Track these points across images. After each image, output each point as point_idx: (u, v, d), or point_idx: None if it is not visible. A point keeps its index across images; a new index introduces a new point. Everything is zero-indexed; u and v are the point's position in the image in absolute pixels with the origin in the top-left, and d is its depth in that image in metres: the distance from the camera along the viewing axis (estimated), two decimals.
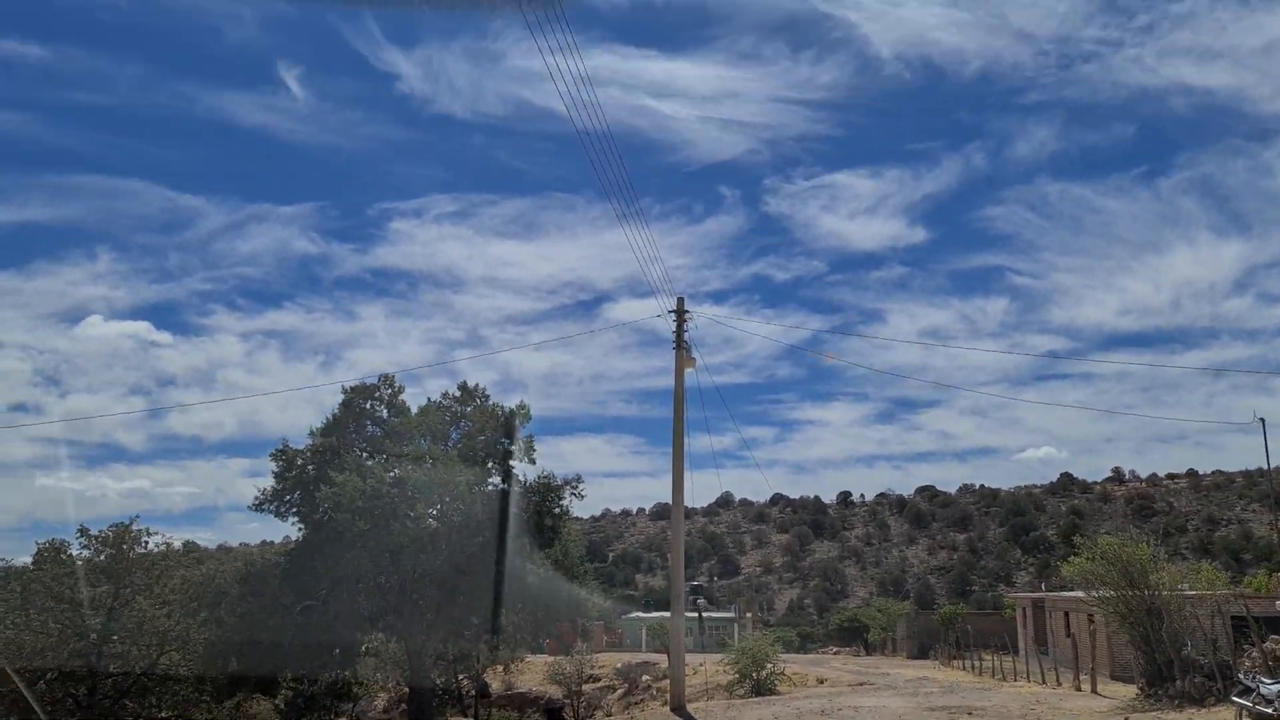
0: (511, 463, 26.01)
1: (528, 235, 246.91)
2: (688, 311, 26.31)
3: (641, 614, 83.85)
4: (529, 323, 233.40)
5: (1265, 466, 42.91)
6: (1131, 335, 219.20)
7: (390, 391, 25.32)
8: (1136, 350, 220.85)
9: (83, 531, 23.93)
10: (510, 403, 26.72)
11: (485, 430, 25.55)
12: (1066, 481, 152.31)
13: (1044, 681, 39.69)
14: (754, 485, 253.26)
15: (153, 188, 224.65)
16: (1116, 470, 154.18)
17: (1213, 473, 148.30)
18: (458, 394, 26.16)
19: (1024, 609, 58.48)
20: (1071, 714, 26.69)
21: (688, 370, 26.63)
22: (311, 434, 24.59)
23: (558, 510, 25.47)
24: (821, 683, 41.56)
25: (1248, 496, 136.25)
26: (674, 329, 26.08)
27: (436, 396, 26.24)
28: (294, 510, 24.00)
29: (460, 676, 32.02)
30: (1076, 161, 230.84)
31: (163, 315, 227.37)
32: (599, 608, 25.57)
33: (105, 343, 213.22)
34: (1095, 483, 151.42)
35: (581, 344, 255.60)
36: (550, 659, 60.38)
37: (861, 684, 40.92)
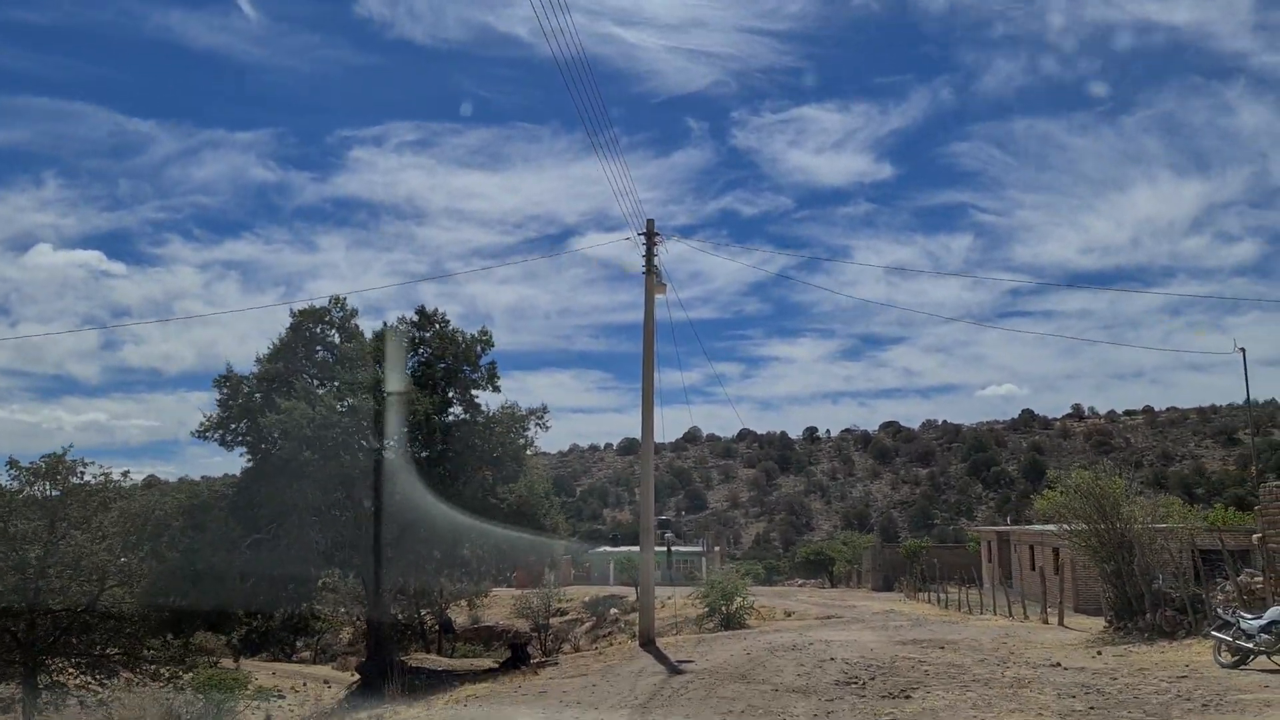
0: (474, 392, 24.68)
1: (492, 166, 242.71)
2: (658, 234, 24.87)
3: (609, 548, 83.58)
4: (495, 256, 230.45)
5: (1246, 398, 42.43)
6: (1093, 274, 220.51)
7: (342, 315, 23.73)
8: (1098, 288, 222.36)
9: (13, 464, 22.36)
10: (472, 329, 25.30)
11: (445, 357, 24.12)
12: (1027, 418, 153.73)
13: (1011, 615, 39.45)
14: (721, 421, 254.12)
15: (101, 111, 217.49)
16: (1076, 407, 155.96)
17: (1168, 409, 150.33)
18: (415, 319, 24.65)
19: (988, 543, 58.51)
20: (1042, 647, 26.12)
21: (658, 297, 25.31)
22: (258, 360, 23.06)
23: (522, 441, 24.22)
24: (789, 615, 41.16)
25: (1201, 433, 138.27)
26: (644, 253, 24.67)
27: (394, 322, 24.77)
28: (241, 440, 22.50)
29: (423, 611, 30.99)
30: (1043, 97, 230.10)
31: (115, 244, 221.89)
32: (565, 542, 24.42)
33: (55, 272, 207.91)
34: (1055, 419, 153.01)
35: (548, 278, 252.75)
36: (517, 593, 59.97)
37: (830, 617, 40.60)
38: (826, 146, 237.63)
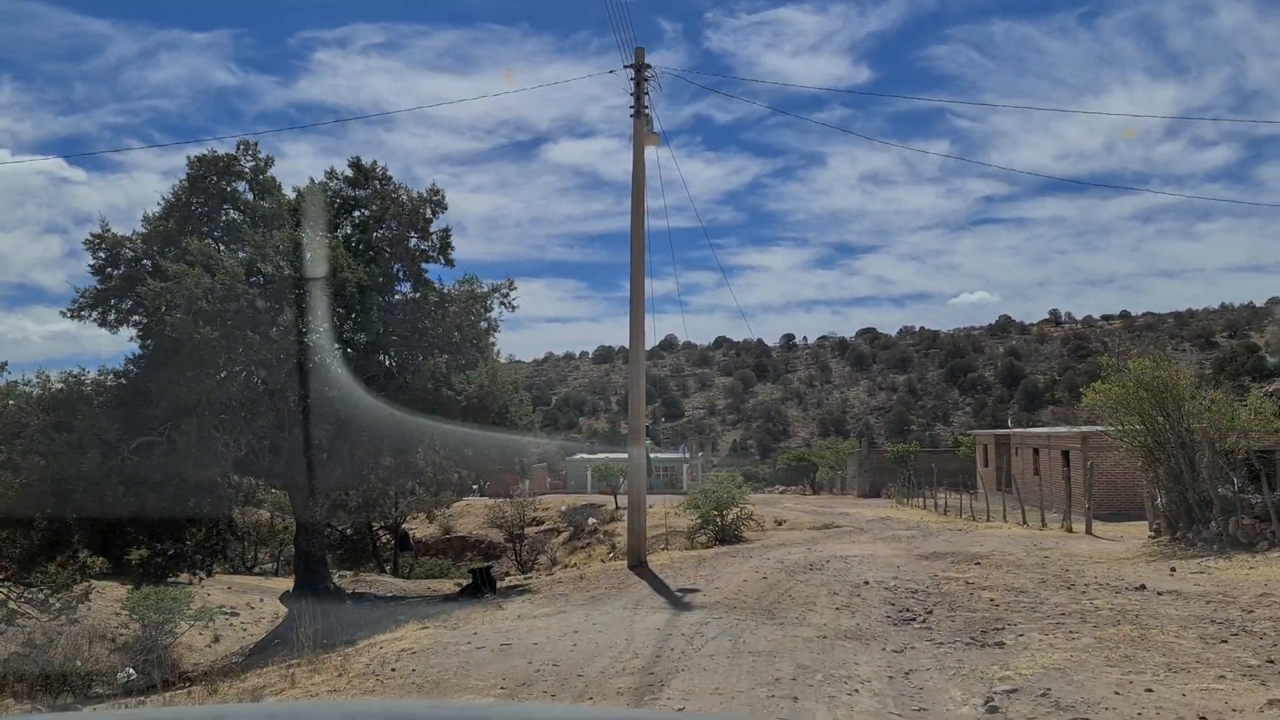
0: (424, 265, 19.84)
1: (462, 70, 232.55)
2: (649, 67, 19.87)
3: (587, 455, 79.71)
4: (465, 163, 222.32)
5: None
6: (1066, 180, 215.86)
7: (254, 165, 18.60)
8: (1071, 195, 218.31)
9: None
10: (420, 187, 20.25)
11: (387, 222, 19.20)
12: (1005, 323, 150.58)
13: (1024, 523, 35.74)
14: (695, 329, 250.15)
15: (55, 11, 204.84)
16: (1053, 312, 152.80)
17: (1144, 314, 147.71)
18: (349, 174, 19.58)
19: (985, 446, 54.91)
20: (1092, 561, 22.28)
21: (648, 151, 20.45)
22: (146, 220, 17.94)
23: (484, 324, 19.55)
24: (780, 524, 37.38)
25: (1178, 336, 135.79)
26: (632, 90, 19.70)
27: (322, 178, 19.60)
28: (126, 319, 17.62)
29: (377, 526, 26.69)
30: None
31: (73, 149, 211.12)
32: (537, 444, 19.85)
33: (13, 179, 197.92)
34: (1032, 325, 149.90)
35: (520, 186, 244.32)
36: (491, 502, 56.17)
37: (827, 526, 36.89)
38: (803, 49, 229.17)
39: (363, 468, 19.69)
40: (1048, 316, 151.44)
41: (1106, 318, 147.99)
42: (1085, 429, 46.44)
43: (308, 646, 11.68)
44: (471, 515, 60.11)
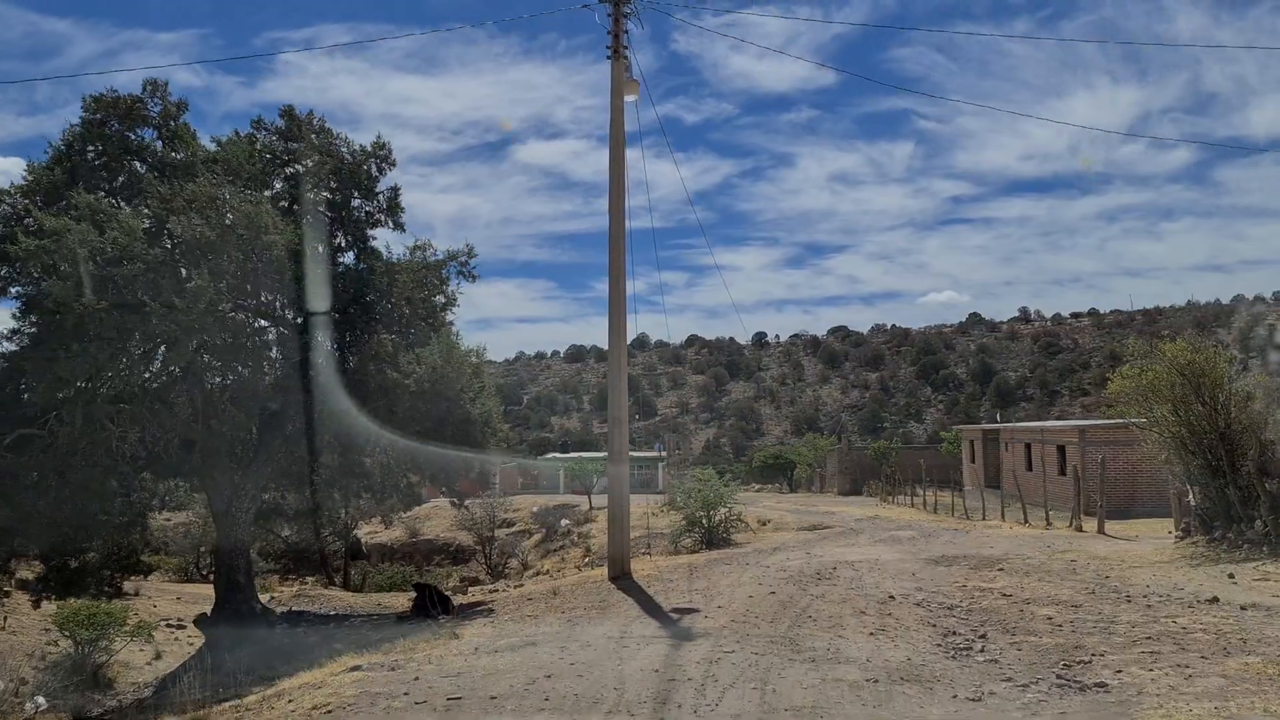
0: (371, 233, 16.90)
1: (429, 70, 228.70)
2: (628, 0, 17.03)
3: (559, 455, 76.66)
4: (434, 164, 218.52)
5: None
6: (1031, 181, 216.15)
7: (162, 109, 15.50)
8: (1036, 195, 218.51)
9: None
10: (364, 140, 17.19)
11: (325, 179, 16.21)
12: (975, 321, 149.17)
13: (1026, 522, 33.22)
14: (667, 328, 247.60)
15: (14, 10, 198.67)
16: (1023, 310, 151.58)
17: (1112, 312, 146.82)
18: (281, 124, 16.53)
19: (971, 442, 52.51)
20: (1123, 564, 19.78)
21: (627, 100, 17.60)
22: (29, 169, 14.77)
23: (441, 298, 16.58)
24: (764, 524, 34.70)
25: (1147, 334, 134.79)
26: (609, 29, 16.86)
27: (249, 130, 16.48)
28: (5, 290, 14.39)
29: (325, 533, 23.63)
30: (984, 2, 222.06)
31: (37, 152, 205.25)
32: (498, 435, 16.77)
33: None
34: (1002, 322, 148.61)
35: (489, 186, 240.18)
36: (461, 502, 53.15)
37: (817, 527, 34.24)
38: (769, 51, 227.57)
39: (299, 467, 16.67)
40: (1018, 314, 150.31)
41: (1075, 315, 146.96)
42: (1082, 422, 44.18)
43: (190, 703, 8.68)
44: (440, 517, 56.91)
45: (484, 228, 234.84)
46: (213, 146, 15.76)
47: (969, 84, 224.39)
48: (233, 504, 15.12)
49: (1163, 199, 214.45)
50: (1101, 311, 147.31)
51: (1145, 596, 14.54)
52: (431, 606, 14.70)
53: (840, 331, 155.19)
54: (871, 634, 11.10)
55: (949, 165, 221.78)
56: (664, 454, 70.18)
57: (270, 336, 16.00)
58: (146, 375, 14.66)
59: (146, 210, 13.60)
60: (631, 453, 74.09)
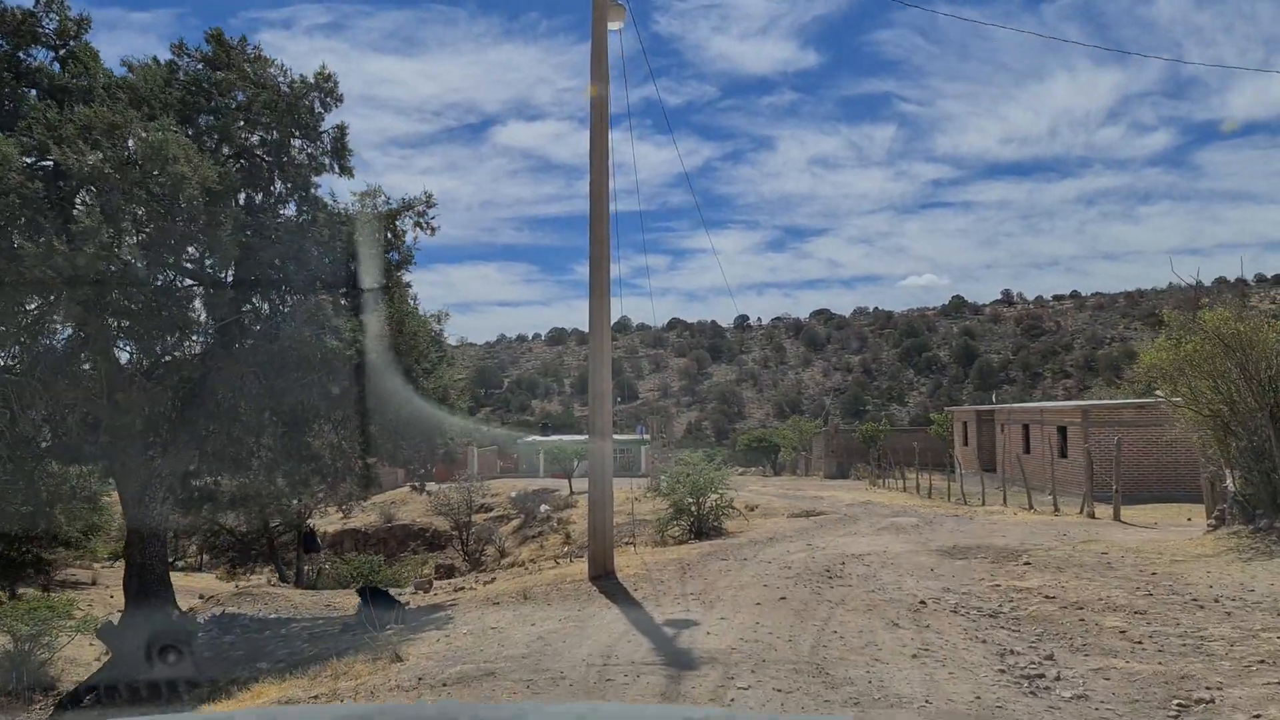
0: (315, 179, 14.43)
1: (408, 51, 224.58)
2: None
3: (539, 437, 74.20)
4: (413, 145, 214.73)
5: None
6: (1011, 164, 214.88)
7: (58, 26, 12.87)
8: (1016, 178, 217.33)
9: None
10: (306, 71, 14.65)
11: (261, 117, 13.70)
12: (958, 303, 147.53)
13: (1031, 507, 31.18)
14: (648, 312, 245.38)
15: None
16: (1006, 293, 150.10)
17: (1094, 294, 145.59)
18: (209, 50, 13.95)
19: (964, 423, 50.58)
20: (1161, 556, 17.78)
21: (611, 29, 15.19)
22: None
23: (394, 255, 14.15)
24: (752, 510, 32.50)
25: (1130, 315, 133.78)
26: None
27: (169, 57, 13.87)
28: None
29: (275, 524, 21.18)
30: None
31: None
32: (458, 425, 14.21)
33: None
34: (985, 305, 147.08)
35: (469, 169, 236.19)
36: (437, 486, 50.92)
37: (809, 514, 32.06)
38: (751, 33, 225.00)
39: (232, 449, 14.26)
40: (1000, 297, 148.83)
41: (1058, 298, 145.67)
42: (1085, 402, 42.24)
43: None
44: (416, 502, 54.59)
45: (464, 210, 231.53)
46: (122, 71, 13.26)
47: (950, 67, 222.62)
48: (147, 491, 12.73)
49: (1140, 182, 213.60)
50: (1083, 294, 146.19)
51: (1217, 601, 12.40)
52: (380, 608, 12.37)
53: (822, 314, 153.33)
54: (915, 656, 8.85)
55: (929, 149, 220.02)
56: (647, 437, 67.88)
57: (197, 300, 13.53)
58: (45, 344, 12.20)
59: (31, 140, 11.12)
60: (614, 435, 71.44)
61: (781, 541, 20.86)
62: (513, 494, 52.78)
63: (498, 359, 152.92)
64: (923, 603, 11.94)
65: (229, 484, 15.73)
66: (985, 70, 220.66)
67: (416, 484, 16.48)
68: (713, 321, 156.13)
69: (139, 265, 11.51)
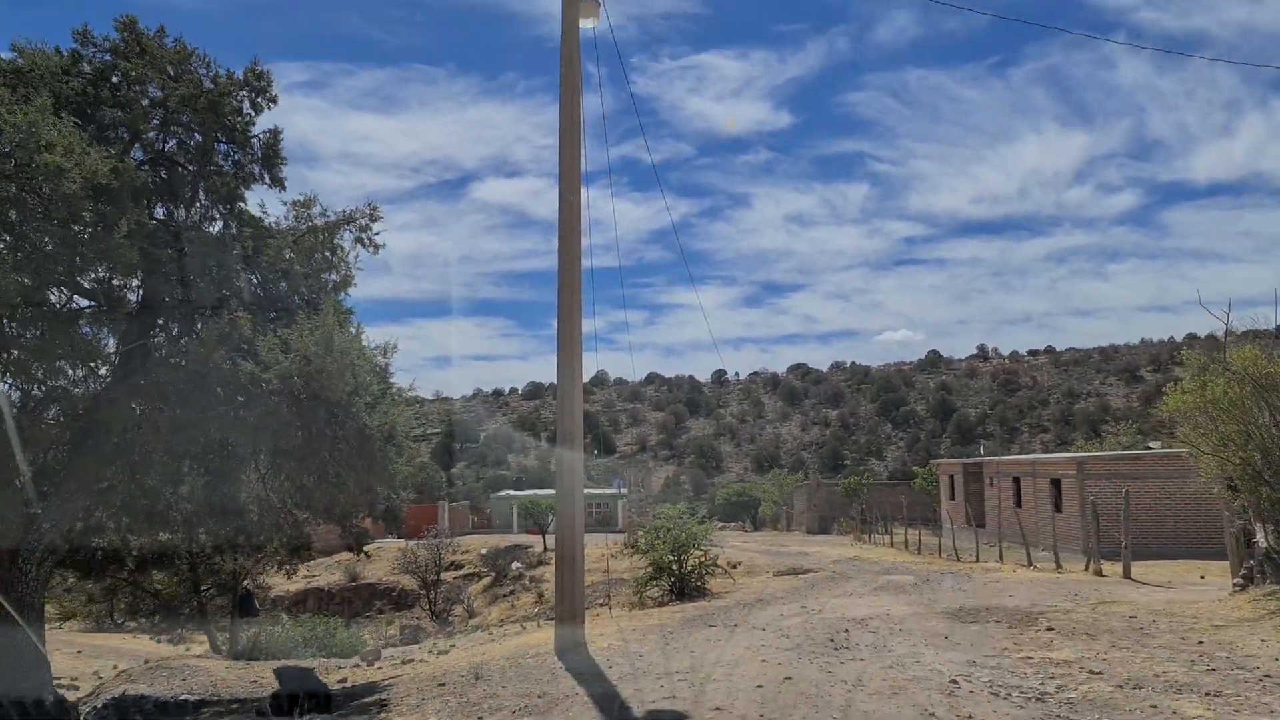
0: (245, 190, 12.44)
1: (387, 109, 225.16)
2: None
3: (513, 491, 71.58)
4: (392, 202, 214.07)
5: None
6: (983, 222, 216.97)
7: None
8: (987, 236, 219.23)
9: None
10: (234, 66, 12.69)
11: (181, 115, 11.74)
12: (934, 358, 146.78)
13: (1030, 564, 29.25)
14: (626, 367, 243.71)
15: None
16: (981, 347, 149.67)
17: (1068, 350, 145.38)
18: (118, 39, 11.94)
19: (951, 476, 48.61)
20: (1197, 622, 15.93)
21: (584, 26, 13.47)
22: None
23: (331, 276, 12.10)
24: (734, 567, 30.35)
25: (1105, 370, 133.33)
26: None
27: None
28: None
29: (206, 587, 18.74)
30: (936, 48, 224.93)
31: None
32: (402, 470, 11.96)
33: None
34: (961, 359, 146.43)
35: (448, 224, 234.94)
36: (404, 544, 48.32)
37: (796, 571, 29.96)
38: (726, 94, 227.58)
39: (144, 501, 12.08)
40: (976, 352, 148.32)
41: (1033, 353, 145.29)
42: (1080, 454, 40.50)
43: None
44: (382, 559, 51.85)
45: (442, 266, 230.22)
46: (11, 56, 11.31)
47: (921, 128, 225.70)
48: (21, 550, 10.48)
49: (1109, 241, 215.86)
50: (1058, 349, 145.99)
51: None
52: (297, 706, 10.07)
53: (800, 369, 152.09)
54: None
55: (902, 207, 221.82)
56: (624, 491, 65.45)
57: (101, 325, 11.44)
58: None
59: None
60: (589, 489, 68.62)
61: (772, 604, 18.72)
62: (483, 551, 50.21)
63: (475, 413, 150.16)
64: (954, 682, 9.87)
65: (141, 542, 13.47)
66: (956, 131, 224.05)
67: (354, 545, 13.74)
68: (690, 376, 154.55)
69: (22, 280, 9.47)
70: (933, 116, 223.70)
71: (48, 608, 28.91)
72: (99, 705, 11.63)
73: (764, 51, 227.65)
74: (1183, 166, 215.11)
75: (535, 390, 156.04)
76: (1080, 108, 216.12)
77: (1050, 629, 14.69)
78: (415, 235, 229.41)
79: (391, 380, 12.38)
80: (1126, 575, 23.64)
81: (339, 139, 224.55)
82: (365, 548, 14.21)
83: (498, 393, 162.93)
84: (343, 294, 12.29)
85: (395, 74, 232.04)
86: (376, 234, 12.11)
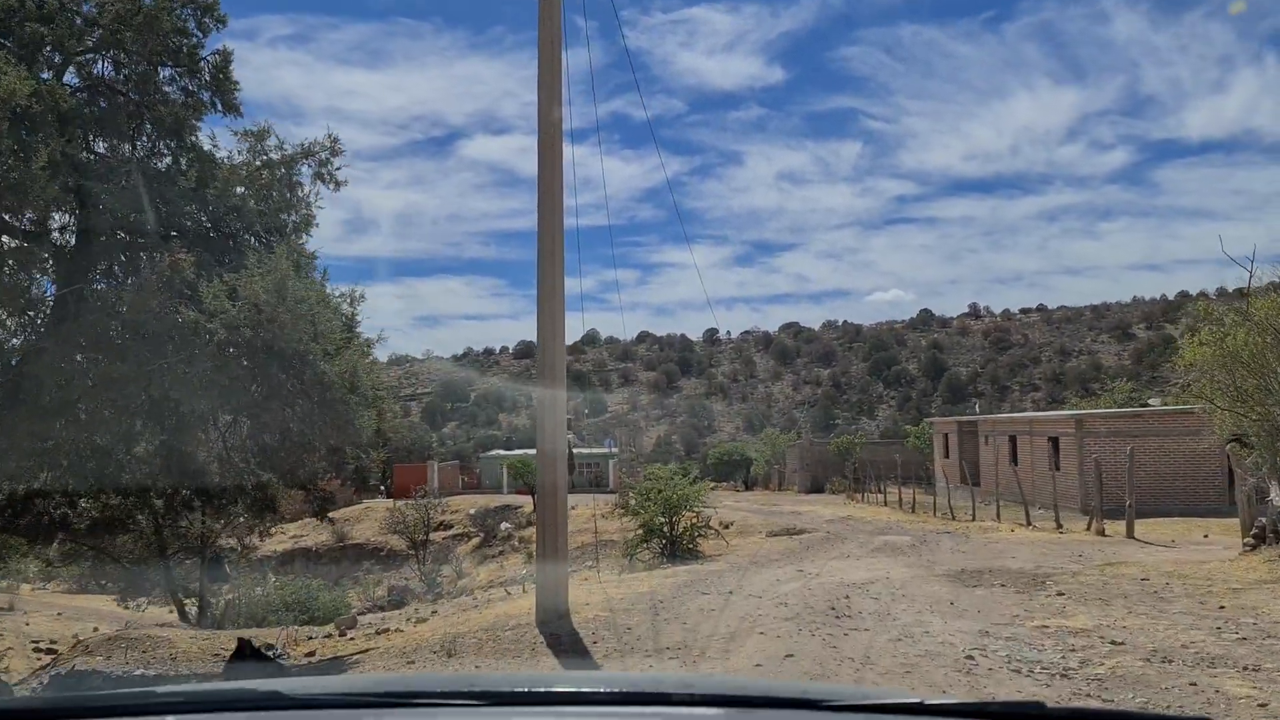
0: (196, 121, 11.33)
1: (373, 64, 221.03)
2: None
3: (503, 451, 70.78)
4: (379, 159, 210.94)
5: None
6: (974, 181, 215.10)
7: None
8: (979, 195, 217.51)
9: None
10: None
11: (118, 34, 10.61)
12: (926, 317, 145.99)
13: (1029, 524, 28.64)
14: (618, 326, 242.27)
15: None
16: (973, 306, 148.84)
17: (1060, 308, 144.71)
18: None
19: (945, 435, 47.96)
20: (1204, 581, 15.21)
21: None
22: None
23: (289, 215, 11.05)
24: (727, 527, 29.61)
25: (1097, 328, 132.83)
26: None
27: None
28: None
29: (172, 550, 17.80)
30: (929, 3, 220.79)
31: None
32: (370, 425, 10.87)
33: None
34: (953, 318, 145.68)
35: (436, 182, 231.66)
36: (393, 504, 47.63)
37: (790, 531, 29.28)
38: (718, 49, 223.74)
39: (93, 462, 11.10)
40: (968, 310, 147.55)
41: (1025, 311, 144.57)
42: (1079, 412, 39.79)
43: None
44: (371, 519, 51.16)
45: (430, 224, 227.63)
46: None
47: (915, 85, 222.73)
48: None
49: (1100, 199, 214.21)
50: (1049, 307, 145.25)
51: None
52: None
53: (792, 328, 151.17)
54: None
55: (894, 165, 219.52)
56: (615, 450, 64.70)
57: (31, 267, 10.36)
58: None
59: None
60: (580, 449, 67.53)
61: (768, 567, 17.92)
62: (472, 511, 49.55)
63: (465, 373, 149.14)
64: (970, 658, 9.01)
65: (92, 505, 12.51)
66: (948, 88, 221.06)
67: (317, 510, 12.62)
68: (682, 335, 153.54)
69: None
70: (925, 72, 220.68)
71: (30, 568, 28.07)
72: (44, 682, 10.72)
73: (756, 5, 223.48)
74: (1175, 124, 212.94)
75: (526, 349, 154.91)
76: (1073, 63, 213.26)
77: (1060, 594, 13.94)
78: (403, 193, 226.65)
79: (358, 331, 11.32)
80: (1130, 535, 22.98)
81: (324, 93, 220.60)
82: (340, 510, 13.23)
83: (488, 351, 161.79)
84: (304, 236, 11.19)
85: (381, 28, 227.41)
86: (338, 169, 11.01)
